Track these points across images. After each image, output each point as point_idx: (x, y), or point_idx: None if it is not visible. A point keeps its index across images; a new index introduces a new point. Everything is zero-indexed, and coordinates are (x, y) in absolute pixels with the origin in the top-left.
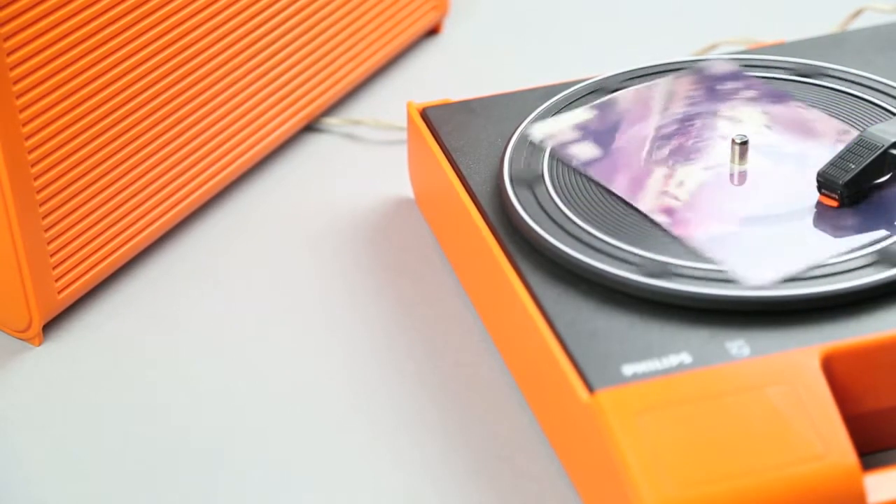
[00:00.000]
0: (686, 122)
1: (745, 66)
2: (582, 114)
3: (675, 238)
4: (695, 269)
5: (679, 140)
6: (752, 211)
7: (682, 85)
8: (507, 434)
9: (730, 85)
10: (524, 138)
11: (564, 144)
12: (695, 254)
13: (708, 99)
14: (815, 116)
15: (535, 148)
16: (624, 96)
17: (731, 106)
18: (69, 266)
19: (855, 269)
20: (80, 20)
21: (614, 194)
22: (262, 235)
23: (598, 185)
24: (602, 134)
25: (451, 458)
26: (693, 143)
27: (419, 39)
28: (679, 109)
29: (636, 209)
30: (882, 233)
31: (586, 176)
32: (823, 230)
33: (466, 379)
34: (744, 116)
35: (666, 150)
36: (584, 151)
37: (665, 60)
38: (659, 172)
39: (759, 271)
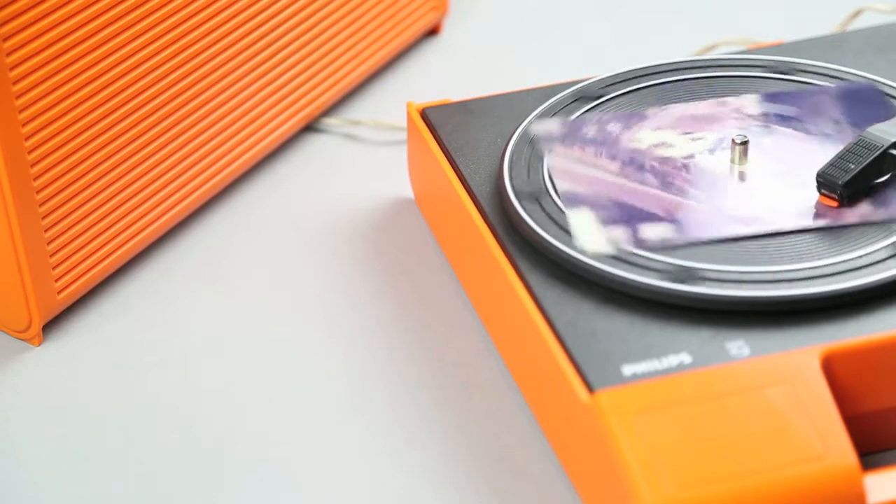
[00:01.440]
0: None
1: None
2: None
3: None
4: (695, 268)
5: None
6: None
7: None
8: (507, 434)
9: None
10: (524, 138)
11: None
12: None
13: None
14: (693, 108)
15: (535, 151)
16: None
17: (639, 138)
18: (69, 266)
19: (855, 270)
20: (80, 20)
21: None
22: (262, 235)
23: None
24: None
25: (450, 459)
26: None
27: (419, 39)
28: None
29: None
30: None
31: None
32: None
33: (466, 379)
34: (669, 140)
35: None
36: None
37: (665, 60)
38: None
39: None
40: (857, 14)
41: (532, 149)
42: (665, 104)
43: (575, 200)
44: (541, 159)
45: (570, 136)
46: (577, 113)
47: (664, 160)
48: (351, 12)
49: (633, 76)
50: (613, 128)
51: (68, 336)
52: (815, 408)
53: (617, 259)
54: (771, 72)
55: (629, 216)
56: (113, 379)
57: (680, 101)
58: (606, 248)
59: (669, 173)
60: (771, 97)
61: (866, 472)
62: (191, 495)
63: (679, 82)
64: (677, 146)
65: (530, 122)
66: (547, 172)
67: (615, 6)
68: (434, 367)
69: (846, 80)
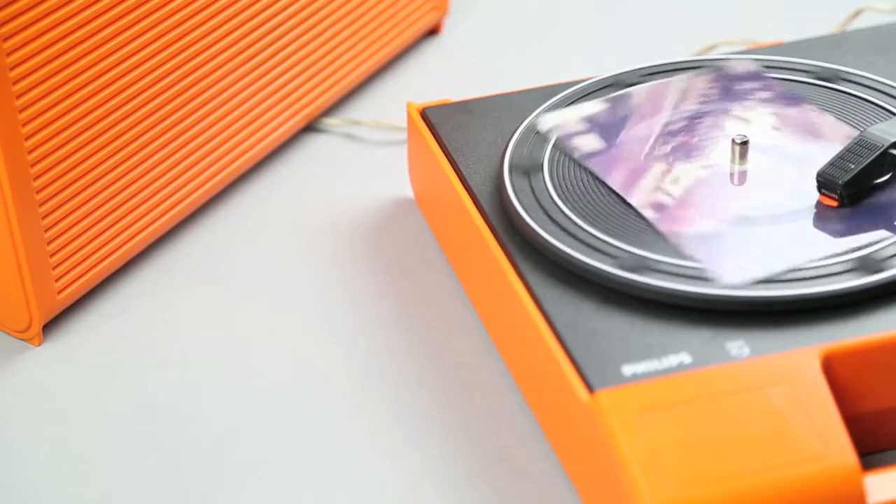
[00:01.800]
0: (694, 120)
1: (767, 67)
2: (593, 106)
3: (660, 234)
4: (695, 268)
5: (683, 138)
6: (745, 210)
7: (698, 83)
8: (507, 434)
9: (746, 85)
10: (524, 138)
11: (570, 135)
12: (677, 251)
13: (721, 98)
14: (825, 120)
15: (537, 143)
16: (638, 91)
17: (743, 106)
18: (69, 266)
19: (854, 270)
20: (80, 20)
21: (613, 191)
22: (262, 235)
23: (599, 183)
24: (609, 127)
25: (450, 459)
26: (697, 142)
27: (419, 39)
28: (690, 107)
29: (633, 207)
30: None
31: (585, 168)
32: (819, 231)
33: (466, 379)
34: (752, 117)
35: (668, 147)
36: (587, 143)
37: (665, 60)
38: (657, 168)
39: (734, 271)
40: (857, 14)
41: (532, 145)
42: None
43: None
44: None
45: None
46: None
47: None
48: (351, 12)
49: (633, 76)
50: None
51: (68, 336)
52: (815, 408)
53: (617, 259)
54: (772, 71)
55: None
56: (113, 379)
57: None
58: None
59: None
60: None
61: (866, 472)
62: (191, 495)
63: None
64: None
65: (535, 117)
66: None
67: (615, 6)
68: (434, 367)
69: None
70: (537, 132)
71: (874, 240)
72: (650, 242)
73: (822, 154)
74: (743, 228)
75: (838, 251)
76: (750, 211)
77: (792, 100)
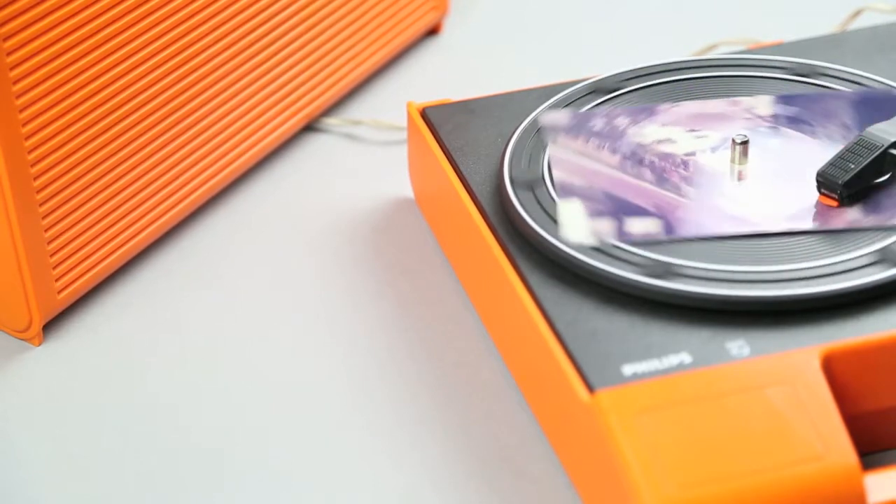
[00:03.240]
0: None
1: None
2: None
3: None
4: (696, 269)
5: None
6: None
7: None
8: (507, 434)
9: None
10: (524, 138)
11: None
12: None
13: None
14: (704, 106)
15: (537, 144)
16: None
17: (645, 133)
18: (69, 266)
19: (855, 270)
20: (79, 20)
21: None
22: (262, 235)
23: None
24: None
25: (451, 459)
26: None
27: (419, 39)
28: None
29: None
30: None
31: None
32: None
33: (466, 379)
34: (676, 137)
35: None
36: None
37: (665, 60)
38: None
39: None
40: (857, 14)
41: (532, 145)
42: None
43: (569, 191)
44: (543, 150)
45: (577, 128)
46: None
47: (664, 156)
48: (351, 12)
49: (633, 76)
50: (621, 122)
51: (68, 336)
52: (815, 408)
53: (617, 259)
54: (770, 70)
55: (618, 209)
56: (113, 379)
57: (680, 101)
58: (589, 240)
59: (667, 169)
60: (785, 99)
61: (866, 472)
62: (191, 495)
63: (679, 82)
64: (680, 143)
65: (539, 114)
66: (546, 165)
67: (615, 6)
68: (434, 367)
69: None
70: (538, 130)
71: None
72: (652, 242)
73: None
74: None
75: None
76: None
77: (650, 111)
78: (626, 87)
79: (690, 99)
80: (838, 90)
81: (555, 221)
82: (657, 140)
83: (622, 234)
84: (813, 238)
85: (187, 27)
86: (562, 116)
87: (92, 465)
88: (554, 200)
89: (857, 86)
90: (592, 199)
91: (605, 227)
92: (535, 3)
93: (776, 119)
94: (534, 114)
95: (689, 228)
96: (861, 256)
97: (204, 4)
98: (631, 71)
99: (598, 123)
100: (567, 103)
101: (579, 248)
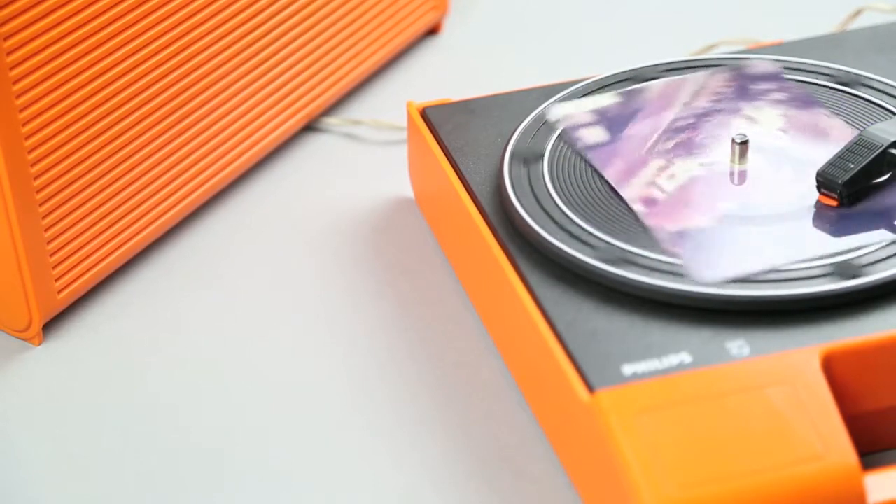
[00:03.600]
0: (703, 117)
1: (789, 69)
2: (604, 99)
3: (645, 228)
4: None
5: (688, 134)
6: (736, 209)
7: (715, 81)
8: (507, 434)
9: (763, 86)
10: (524, 138)
11: (576, 127)
12: (658, 246)
13: (735, 97)
14: (833, 124)
15: (537, 143)
16: (652, 86)
17: (754, 106)
18: (69, 266)
19: (854, 270)
20: (79, 20)
21: (613, 189)
22: (262, 235)
23: (600, 183)
24: (617, 121)
25: (451, 459)
26: (701, 139)
27: (419, 39)
28: (701, 104)
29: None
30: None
31: (588, 163)
32: (808, 232)
33: (466, 379)
34: (761, 117)
35: (671, 144)
36: (591, 136)
37: (665, 60)
38: (655, 164)
39: (709, 268)
40: (857, 14)
41: (533, 145)
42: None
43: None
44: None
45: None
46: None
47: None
48: (351, 12)
49: (633, 76)
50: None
51: (68, 336)
52: (815, 408)
53: (618, 259)
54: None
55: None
56: (113, 379)
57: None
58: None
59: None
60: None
61: (866, 472)
62: (190, 495)
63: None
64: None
65: (542, 110)
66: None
67: (615, 6)
68: (434, 367)
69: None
70: (544, 123)
71: (861, 244)
72: (651, 242)
73: (824, 156)
74: (731, 227)
75: (821, 254)
76: (741, 210)
77: (805, 102)
78: (625, 87)
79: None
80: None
81: (563, 229)
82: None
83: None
84: (813, 238)
85: (187, 27)
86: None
87: (92, 465)
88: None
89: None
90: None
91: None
92: (535, 3)
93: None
94: (536, 111)
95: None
96: (862, 256)
97: (204, 4)
98: (631, 71)
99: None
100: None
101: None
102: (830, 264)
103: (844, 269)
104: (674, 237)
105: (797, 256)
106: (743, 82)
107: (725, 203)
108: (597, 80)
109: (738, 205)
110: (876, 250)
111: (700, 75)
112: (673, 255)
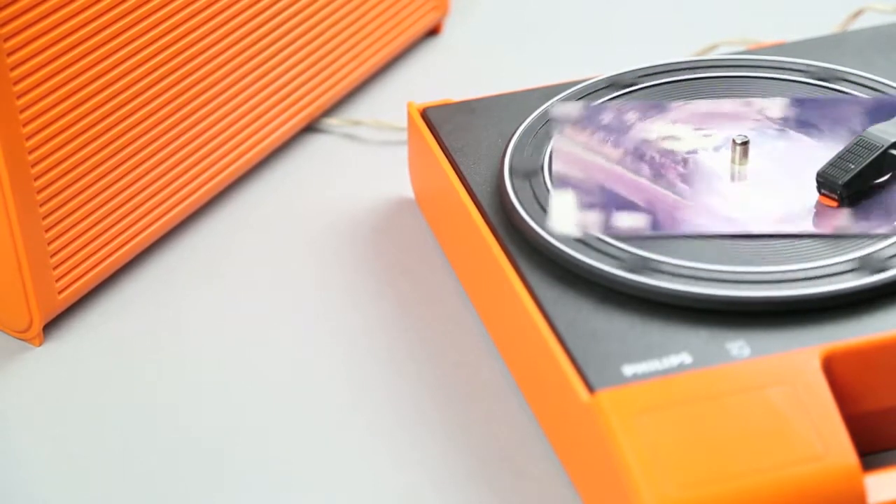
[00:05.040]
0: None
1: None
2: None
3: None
4: (695, 268)
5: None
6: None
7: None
8: (507, 434)
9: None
10: (524, 138)
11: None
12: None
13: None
14: (717, 105)
15: (537, 144)
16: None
17: (662, 129)
18: (69, 266)
19: (854, 270)
20: (80, 20)
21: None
22: (263, 235)
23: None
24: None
25: (451, 458)
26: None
27: (419, 40)
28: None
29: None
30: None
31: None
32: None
33: (466, 379)
34: (680, 134)
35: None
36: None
37: (665, 60)
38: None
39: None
40: (857, 14)
41: (533, 145)
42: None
43: (565, 182)
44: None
45: (586, 120)
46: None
47: (665, 153)
48: (351, 12)
49: (634, 76)
50: (630, 117)
51: (69, 336)
52: (816, 408)
53: (617, 259)
54: (769, 71)
55: (609, 203)
56: (113, 379)
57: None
58: (574, 231)
59: (665, 165)
60: (799, 102)
61: (866, 472)
62: (190, 495)
63: (679, 83)
64: (684, 140)
65: (550, 105)
66: (548, 156)
67: (615, 6)
68: (434, 367)
69: (881, 90)
70: (545, 123)
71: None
72: (650, 242)
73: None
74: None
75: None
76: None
77: (659, 108)
78: (626, 87)
79: (691, 99)
80: (855, 95)
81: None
82: (662, 137)
83: (608, 228)
84: (813, 238)
85: (188, 28)
86: (573, 108)
87: (92, 465)
88: (549, 192)
89: (874, 92)
90: (587, 192)
91: (592, 219)
92: (536, 3)
93: (785, 121)
94: (537, 112)
95: (677, 226)
96: (862, 256)
97: (204, 5)
98: (631, 71)
99: (607, 117)
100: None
101: (564, 239)
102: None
103: (868, 263)
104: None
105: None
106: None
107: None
108: (597, 81)
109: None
110: (876, 251)
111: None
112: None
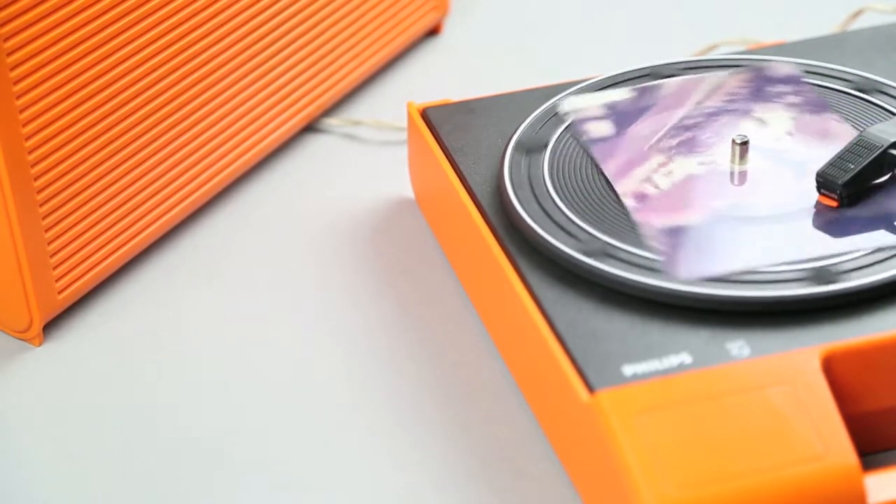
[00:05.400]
0: (712, 116)
1: (809, 72)
2: (618, 94)
3: (634, 224)
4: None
5: (694, 133)
6: (730, 209)
7: (731, 81)
8: (507, 434)
9: (779, 88)
10: (525, 138)
11: (584, 120)
12: (643, 242)
13: (748, 98)
14: (843, 130)
15: (537, 145)
16: (668, 83)
17: (766, 108)
18: (69, 266)
19: (855, 270)
20: (80, 20)
21: (611, 187)
22: (263, 235)
23: (601, 182)
24: (626, 116)
25: (451, 458)
26: (706, 138)
27: (419, 40)
28: (713, 104)
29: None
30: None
31: (591, 160)
32: (797, 234)
33: (466, 379)
34: (771, 120)
35: (675, 141)
36: (598, 129)
37: (665, 60)
38: (654, 160)
39: (687, 266)
40: (857, 14)
41: (533, 145)
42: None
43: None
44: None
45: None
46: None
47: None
48: (351, 12)
49: (633, 76)
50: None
51: (69, 336)
52: (816, 408)
53: (617, 259)
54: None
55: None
56: (113, 379)
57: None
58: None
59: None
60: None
61: (866, 472)
62: (190, 495)
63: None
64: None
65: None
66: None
67: (615, 6)
68: (434, 367)
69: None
70: (545, 122)
71: (841, 250)
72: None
73: (825, 159)
74: (719, 226)
75: (802, 258)
76: (734, 210)
77: (817, 106)
78: (627, 87)
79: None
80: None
81: (563, 229)
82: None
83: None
84: (813, 237)
85: (188, 27)
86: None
87: (92, 465)
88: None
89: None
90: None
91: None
92: (535, 3)
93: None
94: (537, 111)
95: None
96: (862, 256)
97: (204, 5)
98: (631, 71)
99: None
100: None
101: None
102: (808, 269)
103: (822, 275)
104: (659, 233)
105: (777, 258)
106: (760, 83)
107: (719, 202)
108: (597, 81)
109: (731, 204)
110: (876, 251)
111: (718, 75)
112: (656, 251)
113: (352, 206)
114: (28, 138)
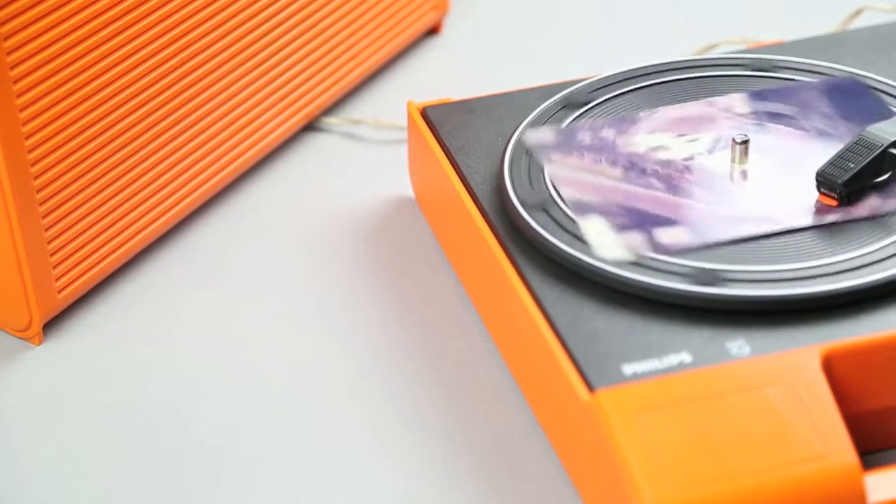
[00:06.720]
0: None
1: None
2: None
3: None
4: (695, 268)
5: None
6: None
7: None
8: (507, 434)
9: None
10: (523, 141)
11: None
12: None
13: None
14: (683, 110)
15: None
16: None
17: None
18: (69, 266)
19: (855, 269)
20: (79, 20)
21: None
22: (262, 235)
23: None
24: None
25: (451, 458)
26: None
27: (419, 39)
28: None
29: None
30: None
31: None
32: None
33: (466, 379)
34: (665, 143)
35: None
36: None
37: (665, 60)
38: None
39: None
40: (857, 14)
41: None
42: (656, 106)
43: (585, 208)
44: (540, 167)
45: (566, 144)
46: (573, 116)
47: (665, 163)
48: (351, 12)
49: (633, 76)
50: (607, 133)
51: (68, 336)
52: (816, 407)
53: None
54: (757, 71)
55: (641, 221)
56: (113, 379)
57: (679, 101)
58: (626, 255)
59: (673, 176)
60: (758, 95)
61: (867, 472)
62: (190, 495)
63: (679, 82)
64: (674, 148)
65: (524, 129)
66: (549, 177)
67: (615, 6)
68: (434, 367)
69: (829, 74)
70: (545, 122)
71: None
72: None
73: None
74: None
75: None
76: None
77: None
78: (625, 87)
79: (692, 99)
80: (803, 81)
81: (563, 229)
82: (651, 148)
83: (656, 246)
84: (813, 237)
85: (187, 27)
86: (546, 134)
87: (92, 464)
88: (560, 209)
89: (818, 75)
90: (612, 214)
91: (636, 240)
92: (535, 3)
93: (757, 116)
94: (537, 111)
95: (718, 233)
96: (862, 256)
97: (204, 4)
98: (631, 70)
99: (585, 137)
100: (565, 104)
101: (563, 238)
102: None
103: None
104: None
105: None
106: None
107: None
108: (597, 80)
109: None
110: (876, 250)
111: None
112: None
113: (352, 206)
114: (28, 138)
